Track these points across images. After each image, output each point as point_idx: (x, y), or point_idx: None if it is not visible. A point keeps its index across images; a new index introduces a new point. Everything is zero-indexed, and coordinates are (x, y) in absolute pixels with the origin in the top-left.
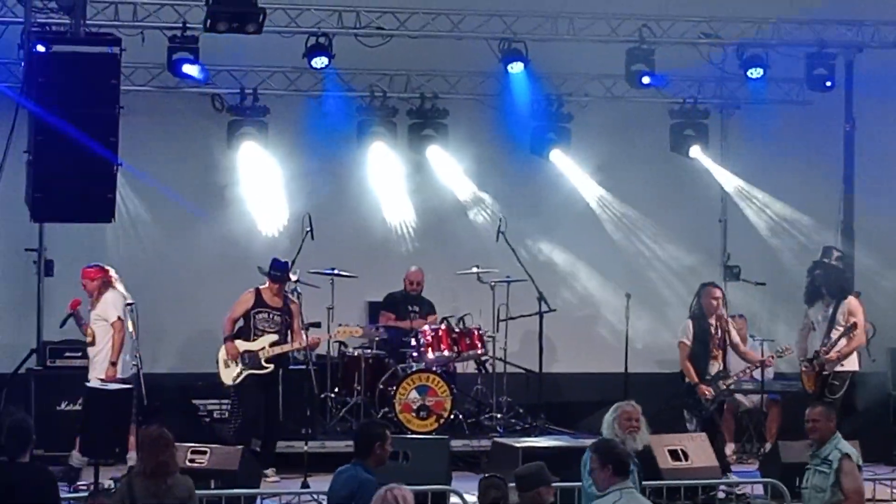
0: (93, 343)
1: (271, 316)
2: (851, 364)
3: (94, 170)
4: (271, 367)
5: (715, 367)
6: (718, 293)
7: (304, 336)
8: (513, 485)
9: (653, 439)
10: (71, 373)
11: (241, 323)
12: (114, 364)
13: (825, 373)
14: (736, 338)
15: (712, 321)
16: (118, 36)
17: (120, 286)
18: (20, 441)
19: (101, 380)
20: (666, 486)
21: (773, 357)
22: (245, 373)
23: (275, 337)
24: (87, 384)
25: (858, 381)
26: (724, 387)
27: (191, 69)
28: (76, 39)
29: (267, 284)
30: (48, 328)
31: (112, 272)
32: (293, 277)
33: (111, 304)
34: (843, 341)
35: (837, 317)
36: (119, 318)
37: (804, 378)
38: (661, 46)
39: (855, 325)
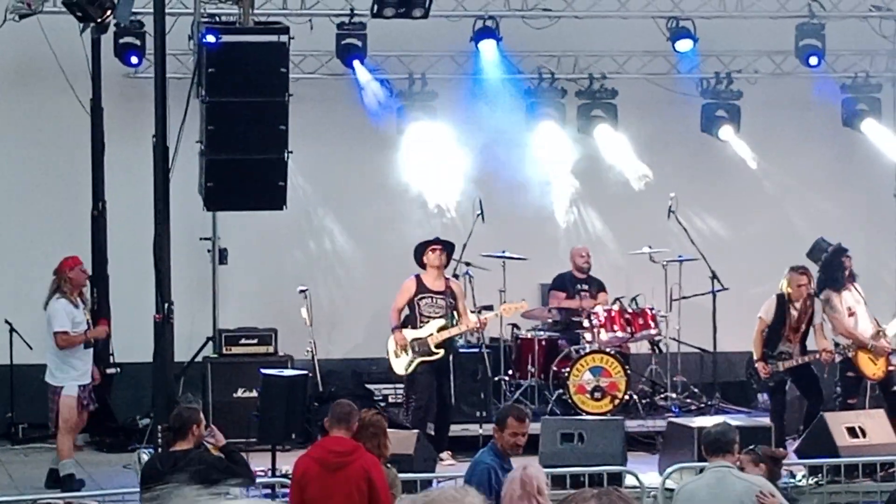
0: (93, 343)
1: (435, 300)
2: None
3: (264, 158)
4: (441, 352)
5: (783, 348)
6: (804, 280)
7: (470, 317)
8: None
9: (829, 416)
10: (247, 360)
11: (406, 311)
12: None
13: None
14: (819, 320)
15: (797, 305)
16: (287, 24)
17: None
18: (174, 429)
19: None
20: (843, 463)
21: (832, 353)
22: (416, 360)
23: (441, 321)
24: (263, 371)
25: None
26: (782, 368)
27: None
28: (245, 29)
29: (427, 269)
30: (223, 316)
31: None
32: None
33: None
34: None
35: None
36: None
37: (866, 362)
38: (830, 21)
39: None
